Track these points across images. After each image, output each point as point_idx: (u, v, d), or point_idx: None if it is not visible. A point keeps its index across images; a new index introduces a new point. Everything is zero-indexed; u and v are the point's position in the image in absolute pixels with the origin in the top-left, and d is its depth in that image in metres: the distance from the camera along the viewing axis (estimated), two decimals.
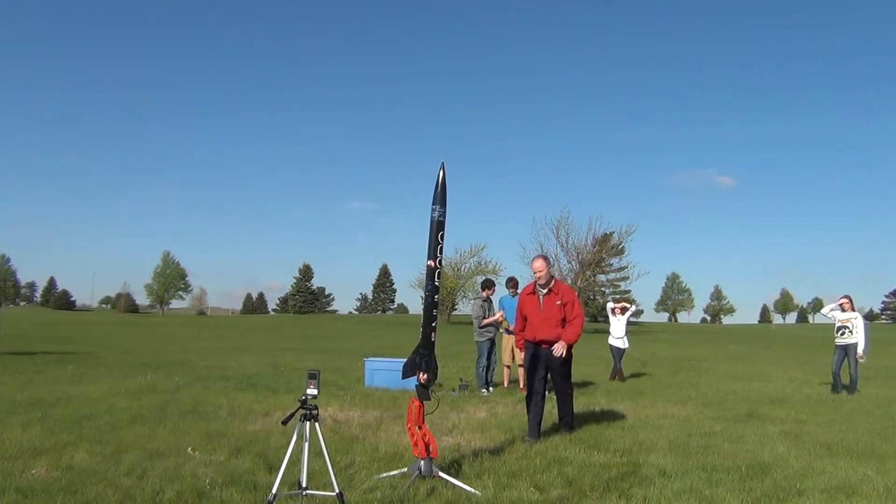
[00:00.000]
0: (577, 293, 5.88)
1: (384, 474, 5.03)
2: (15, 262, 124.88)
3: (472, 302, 11.82)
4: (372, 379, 11.05)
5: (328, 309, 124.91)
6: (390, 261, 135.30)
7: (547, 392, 10.84)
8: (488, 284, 11.66)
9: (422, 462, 4.93)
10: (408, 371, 5.18)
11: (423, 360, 5.07)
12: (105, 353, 17.74)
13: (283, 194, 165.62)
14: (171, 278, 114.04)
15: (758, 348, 37.72)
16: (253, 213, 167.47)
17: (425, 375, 5.06)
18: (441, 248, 5.06)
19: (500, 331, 11.29)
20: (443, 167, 5.05)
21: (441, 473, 4.94)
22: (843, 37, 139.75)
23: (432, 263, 5.03)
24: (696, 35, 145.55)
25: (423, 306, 5.19)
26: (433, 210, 5.04)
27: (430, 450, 4.96)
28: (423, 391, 5.07)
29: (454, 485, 4.77)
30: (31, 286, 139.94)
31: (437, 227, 5.03)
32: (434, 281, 5.04)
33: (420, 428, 4.98)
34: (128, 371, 12.45)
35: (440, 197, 5.04)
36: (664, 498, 4.69)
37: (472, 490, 4.70)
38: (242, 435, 6.44)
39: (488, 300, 11.23)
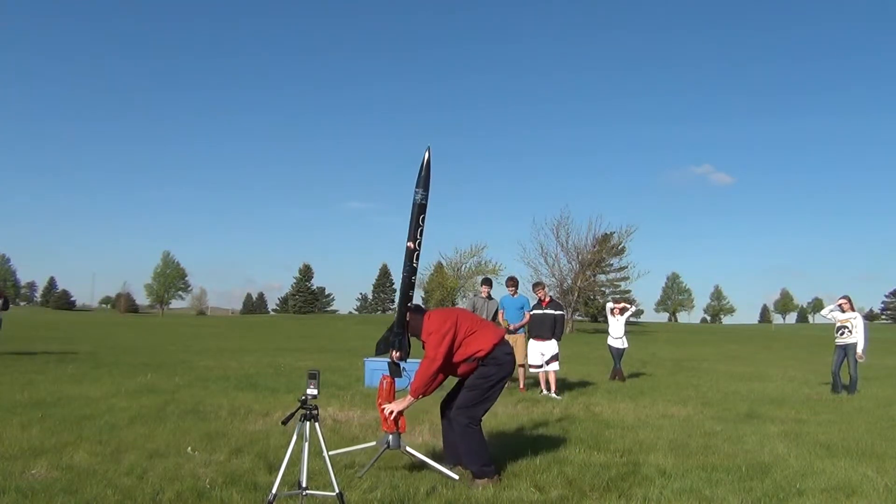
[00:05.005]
0: (447, 320, 5.14)
1: (343, 449, 5.29)
2: (15, 262, 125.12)
3: (471, 300, 11.77)
4: (372, 379, 11.04)
5: (328, 309, 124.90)
6: (390, 261, 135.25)
7: (547, 392, 10.94)
8: (485, 282, 11.69)
9: (390, 436, 5.03)
10: (381, 348, 5.26)
11: (396, 338, 5.15)
12: (105, 353, 17.72)
13: (283, 194, 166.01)
14: (171, 278, 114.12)
15: (758, 348, 37.72)
16: (253, 213, 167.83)
17: (398, 353, 5.15)
18: (422, 231, 5.07)
19: None
20: (429, 150, 5.05)
21: (409, 448, 5.07)
22: (842, 36, 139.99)
23: (411, 245, 5.04)
24: (694, 33, 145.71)
25: (399, 286, 5.22)
26: (416, 193, 5.01)
27: (399, 424, 5.05)
28: (395, 368, 5.20)
29: (425, 462, 4.92)
30: (31, 286, 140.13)
31: (419, 209, 5.03)
32: (413, 262, 5.06)
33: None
34: (128, 371, 12.44)
35: (423, 180, 5.00)
36: (664, 498, 4.69)
37: (450, 473, 4.85)
38: (242, 435, 6.44)
39: (489, 297, 11.17)
